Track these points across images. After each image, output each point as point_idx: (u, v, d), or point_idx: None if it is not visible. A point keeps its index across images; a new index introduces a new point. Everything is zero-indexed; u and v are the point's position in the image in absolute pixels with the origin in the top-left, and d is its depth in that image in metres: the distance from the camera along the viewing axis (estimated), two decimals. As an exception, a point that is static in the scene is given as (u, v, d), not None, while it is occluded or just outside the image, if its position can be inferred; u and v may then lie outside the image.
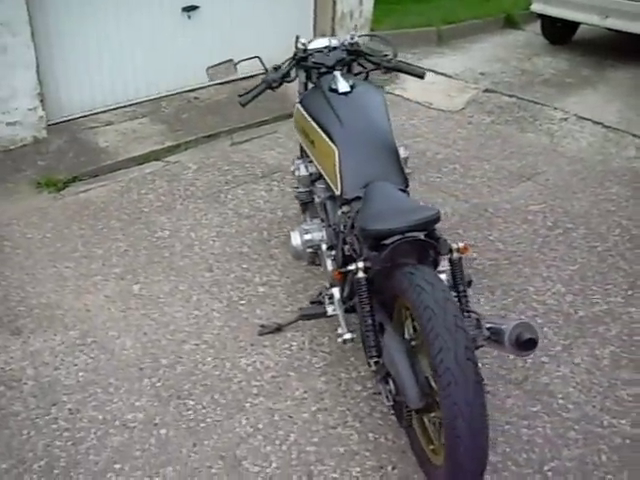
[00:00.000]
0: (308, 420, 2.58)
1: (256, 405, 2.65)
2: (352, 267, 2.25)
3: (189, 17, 5.15)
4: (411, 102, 5.31)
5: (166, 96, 5.26)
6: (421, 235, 2.20)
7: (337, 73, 2.83)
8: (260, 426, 2.56)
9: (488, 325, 2.22)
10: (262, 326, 3.03)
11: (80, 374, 2.80)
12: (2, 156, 4.42)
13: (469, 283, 2.66)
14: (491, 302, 3.18)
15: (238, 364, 2.84)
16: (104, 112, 4.98)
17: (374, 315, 2.29)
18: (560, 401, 2.67)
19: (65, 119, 4.80)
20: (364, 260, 2.25)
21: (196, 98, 5.32)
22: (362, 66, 3.07)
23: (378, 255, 2.19)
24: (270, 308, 3.16)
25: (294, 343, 2.95)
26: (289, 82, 3.01)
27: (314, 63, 2.92)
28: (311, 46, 3.00)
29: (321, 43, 3.01)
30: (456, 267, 2.28)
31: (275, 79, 2.91)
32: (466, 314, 2.22)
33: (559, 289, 3.27)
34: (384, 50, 3.08)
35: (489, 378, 2.75)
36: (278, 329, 3.01)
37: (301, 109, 2.87)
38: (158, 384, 2.75)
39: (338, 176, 2.54)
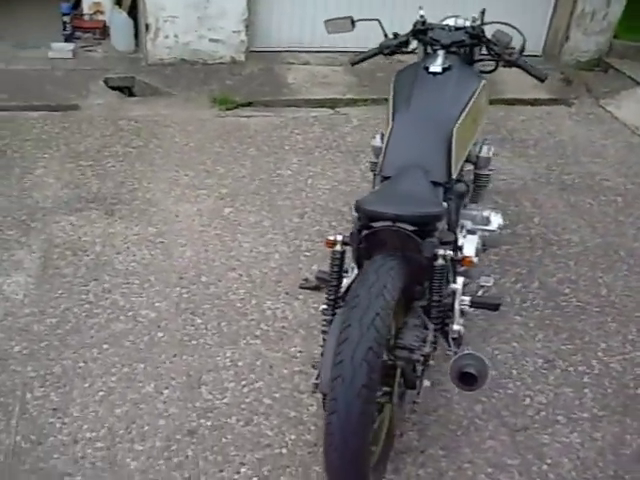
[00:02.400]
0: (284, 376, 2.61)
1: (249, 345, 2.73)
2: (332, 238, 2.20)
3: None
4: (617, 122, 4.76)
5: (372, 52, 5.31)
6: (409, 228, 2.08)
7: (440, 52, 2.70)
8: (239, 364, 2.64)
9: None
10: (305, 280, 3.07)
11: (132, 264, 3.09)
12: (199, 67, 4.88)
13: (496, 307, 2.46)
14: (547, 342, 2.86)
15: (262, 305, 2.93)
16: (306, 52, 5.20)
17: (339, 292, 2.22)
18: (544, 467, 2.36)
19: (268, 49, 5.12)
20: (345, 236, 2.18)
21: (400, 61, 5.29)
22: (491, 55, 2.85)
23: (358, 234, 2.12)
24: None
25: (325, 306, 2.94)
26: (406, 53, 2.93)
27: (431, 38, 2.80)
28: (442, 22, 2.88)
29: (449, 21, 2.86)
30: (436, 274, 2.11)
31: (389, 45, 2.86)
32: (421, 325, 2.08)
33: (635, 357, 2.83)
34: (511, 43, 2.83)
35: (486, 413, 2.53)
36: (317, 288, 3.02)
37: (392, 80, 2.78)
38: (185, 295, 2.94)
39: (383, 152, 2.46)
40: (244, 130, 4.27)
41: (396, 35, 2.88)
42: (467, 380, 1.95)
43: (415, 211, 2.10)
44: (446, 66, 2.63)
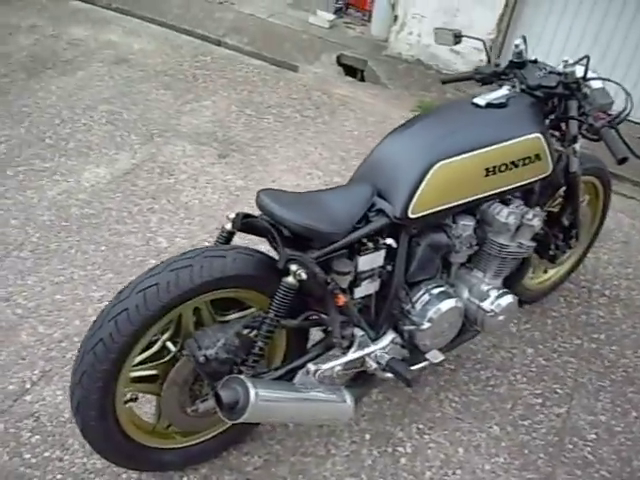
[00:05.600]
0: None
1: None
2: (227, 213, 2.08)
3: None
4: None
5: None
6: (272, 231, 1.91)
7: (505, 87, 2.33)
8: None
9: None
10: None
11: (194, 201, 3.27)
12: (431, 72, 4.78)
13: (408, 382, 2.15)
14: (497, 471, 2.32)
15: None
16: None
17: None
18: None
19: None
20: (236, 215, 2.04)
21: None
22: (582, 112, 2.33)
23: (241, 219, 2.00)
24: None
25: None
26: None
27: (521, 74, 2.41)
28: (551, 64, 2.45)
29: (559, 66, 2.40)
30: (280, 290, 1.88)
31: (482, 73, 2.53)
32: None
33: None
34: (609, 108, 2.29)
35: (346, 475, 2.19)
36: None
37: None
38: (207, 242, 3.02)
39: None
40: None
41: (497, 64, 2.54)
42: (219, 402, 1.75)
43: (293, 218, 1.89)
44: (496, 102, 2.25)
